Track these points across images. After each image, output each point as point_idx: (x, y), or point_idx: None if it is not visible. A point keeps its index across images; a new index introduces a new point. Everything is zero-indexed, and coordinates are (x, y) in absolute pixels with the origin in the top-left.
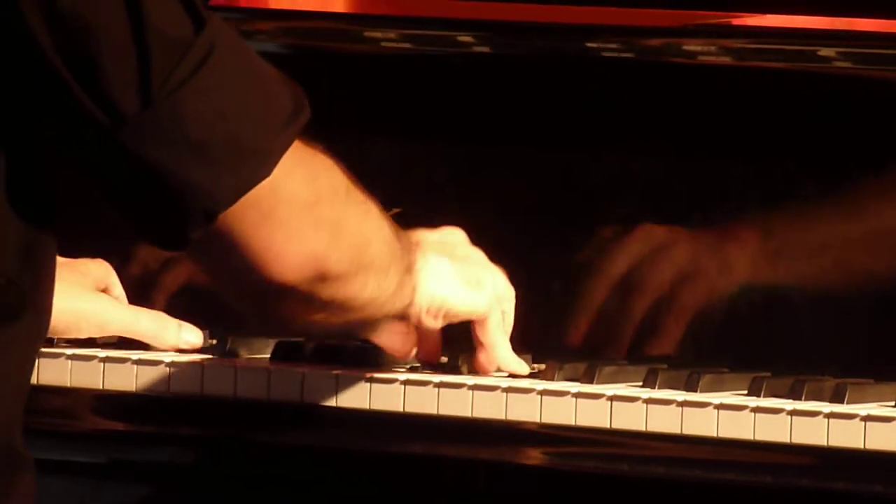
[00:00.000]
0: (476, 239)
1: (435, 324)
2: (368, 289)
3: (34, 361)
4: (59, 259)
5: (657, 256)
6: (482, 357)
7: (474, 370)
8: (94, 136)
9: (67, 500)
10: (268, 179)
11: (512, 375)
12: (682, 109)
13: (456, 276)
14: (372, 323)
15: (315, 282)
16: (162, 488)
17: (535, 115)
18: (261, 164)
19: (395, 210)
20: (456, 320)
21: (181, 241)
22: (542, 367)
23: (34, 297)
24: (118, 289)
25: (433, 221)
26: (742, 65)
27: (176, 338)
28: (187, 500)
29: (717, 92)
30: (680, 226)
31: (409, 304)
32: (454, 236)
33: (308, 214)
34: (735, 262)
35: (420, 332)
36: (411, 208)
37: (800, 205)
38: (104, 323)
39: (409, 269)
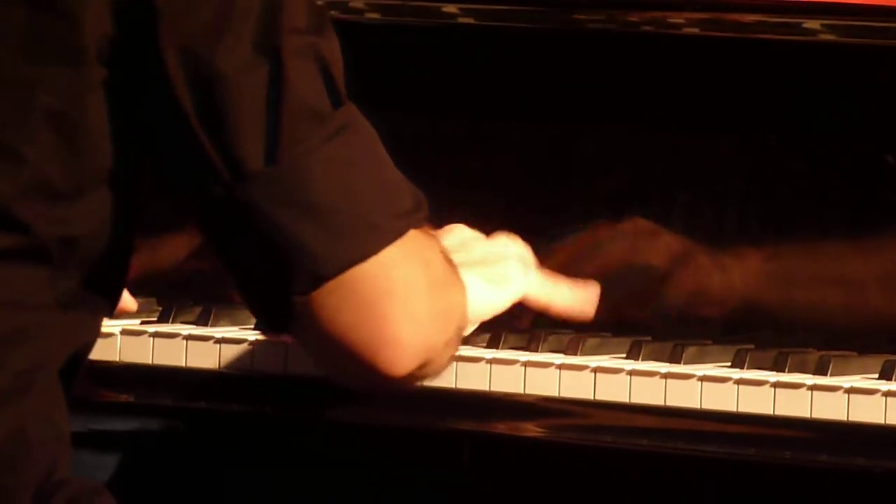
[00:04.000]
0: (462, 214)
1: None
2: (448, 357)
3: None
4: None
5: (643, 231)
6: (553, 314)
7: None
8: (213, 188)
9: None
10: (385, 257)
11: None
12: (665, 83)
13: (485, 286)
14: None
15: (420, 367)
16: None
17: (520, 87)
18: (375, 240)
19: None
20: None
21: (285, 308)
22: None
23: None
24: None
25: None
26: (728, 36)
27: None
28: (164, 469)
29: (703, 64)
30: (667, 201)
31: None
32: (462, 234)
33: (425, 302)
34: (720, 235)
35: None
36: None
37: (784, 177)
38: None
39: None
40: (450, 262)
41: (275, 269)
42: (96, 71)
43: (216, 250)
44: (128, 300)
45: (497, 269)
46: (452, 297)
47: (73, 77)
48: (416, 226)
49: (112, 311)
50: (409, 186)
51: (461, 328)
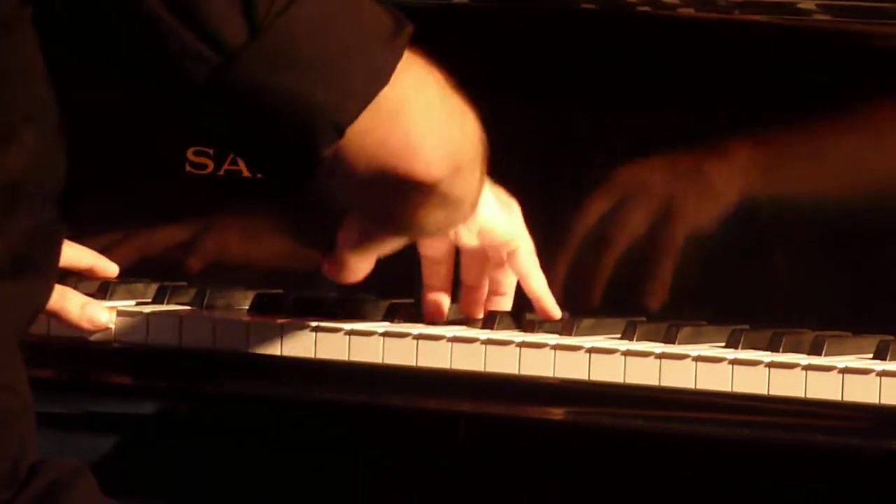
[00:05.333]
0: None
1: (471, 240)
2: (477, 183)
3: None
4: None
5: (637, 210)
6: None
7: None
8: (202, 76)
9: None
10: (393, 79)
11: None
12: (659, 64)
13: (493, 197)
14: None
15: (453, 174)
16: (136, 440)
17: (514, 67)
18: (378, 72)
19: None
20: (489, 241)
21: (312, 164)
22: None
23: (42, 260)
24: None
25: None
26: (723, 17)
27: (79, 314)
28: (163, 452)
29: (697, 45)
30: (659, 179)
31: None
32: None
33: (435, 109)
34: (715, 216)
35: (465, 285)
36: None
37: (779, 156)
38: None
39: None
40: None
41: (295, 134)
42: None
43: (222, 140)
44: (109, 265)
45: (505, 198)
46: (461, 104)
47: None
48: (406, 43)
49: (56, 274)
50: (383, 8)
51: (479, 149)
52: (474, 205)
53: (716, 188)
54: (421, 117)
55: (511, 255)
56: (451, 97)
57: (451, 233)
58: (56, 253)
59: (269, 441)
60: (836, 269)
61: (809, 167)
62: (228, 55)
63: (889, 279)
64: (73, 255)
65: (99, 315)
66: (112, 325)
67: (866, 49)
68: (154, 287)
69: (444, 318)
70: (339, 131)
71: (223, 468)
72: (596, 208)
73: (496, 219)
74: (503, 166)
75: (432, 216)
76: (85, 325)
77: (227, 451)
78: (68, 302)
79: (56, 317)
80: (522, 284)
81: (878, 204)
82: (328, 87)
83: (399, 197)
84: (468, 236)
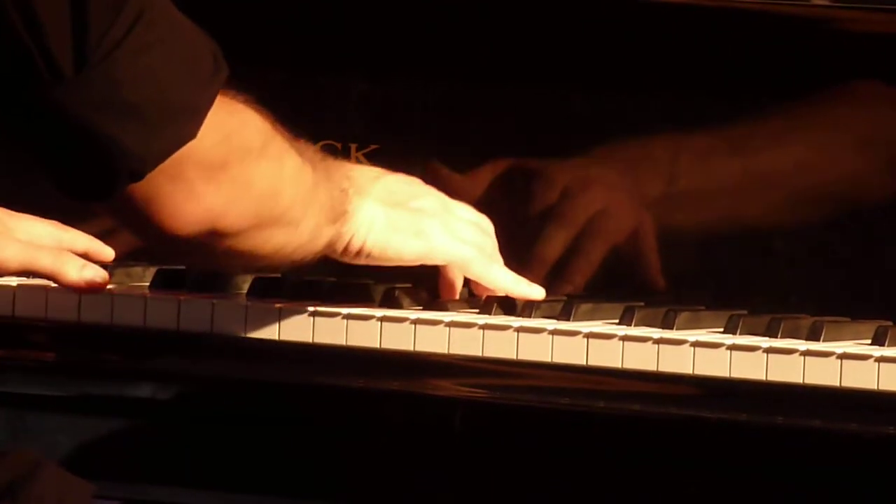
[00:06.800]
0: (451, 177)
1: (357, 261)
2: (273, 241)
3: None
4: None
5: (635, 195)
6: (486, 292)
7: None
8: (35, 89)
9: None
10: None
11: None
12: (656, 48)
13: (388, 225)
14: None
15: (211, 236)
16: (132, 423)
17: (506, 51)
18: (188, 124)
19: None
20: (384, 264)
21: (104, 197)
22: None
23: None
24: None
25: (411, 158)
26: (722, 5)
27: (77, 275)
28: (159, 435)
29: (698, 31)
30: (657, 164)
31: (332, 245)
32: (410, 187)
33: (212, 176)
34: (713, 200)
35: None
36: (389, 146)
37: (776, 142)
38: (2, 261)
39: (334, 219)
40: (271, 134)
41: (96, 168)
42: None
43: (35, 154)
44: (104, 249)
45: (416, 221)
46: (253, 170)
47: None
48: (219, 87)
49: None
50: (205, 45)
51: (272, 205)
52: (313, 245)
53: (715, 173)
54: (191, 183)
55: (461, 268)
56: (252, 160)
57: (335, 253)
58: None
59: (264, 424)
60: (835, 254)
61: (808, 152)
62: (58, 78)
63: (887, 265)
64: (69, 238)
65: (94, 275)
66: (105, 283)
67: (864, 35)
68: (152, 270)
69: None
70: (137, 177)
71: (219, 451)
72: (594, 193)
73: (379, 243)
74: (500, 152)
75: (212, 262)
76: (83, 285)
77: (222, 434)
78: (66, 265)
79: (54, 278)
80: (488, 286)
81: (876, 189)
82: (137, 135)
83: (163, 245)
84: (347, 258)
